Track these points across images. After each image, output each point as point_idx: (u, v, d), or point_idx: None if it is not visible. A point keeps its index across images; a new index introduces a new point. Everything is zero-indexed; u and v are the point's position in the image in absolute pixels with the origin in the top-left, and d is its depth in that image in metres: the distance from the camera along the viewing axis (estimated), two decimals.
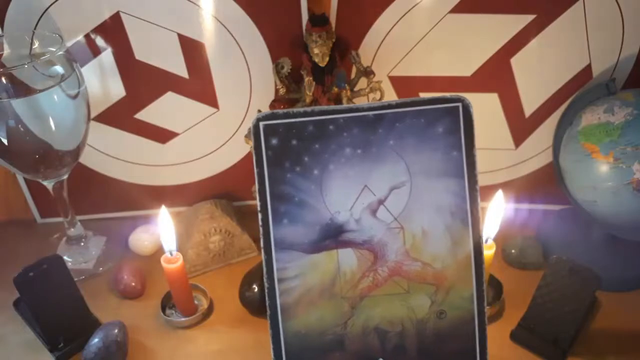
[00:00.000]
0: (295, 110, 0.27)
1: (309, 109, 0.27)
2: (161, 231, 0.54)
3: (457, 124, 0.28)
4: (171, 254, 0.54)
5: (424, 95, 0.53)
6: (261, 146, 0.27)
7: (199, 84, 0.61)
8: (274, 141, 0.27)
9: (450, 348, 0.29)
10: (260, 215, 0.27)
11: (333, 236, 0.28)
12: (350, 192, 0.28)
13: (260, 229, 0.27)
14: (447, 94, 0.27)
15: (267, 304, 0.28)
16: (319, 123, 0.27)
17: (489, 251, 0.54)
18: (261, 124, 0.27)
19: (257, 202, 0.27)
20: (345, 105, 0.27)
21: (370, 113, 0.27)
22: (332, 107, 0.27)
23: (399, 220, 0.27)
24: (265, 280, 0.28)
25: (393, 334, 0.28)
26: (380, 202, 0.28)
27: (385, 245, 0.28)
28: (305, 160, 0.27)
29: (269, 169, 0.27)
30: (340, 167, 0.27)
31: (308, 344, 0.28)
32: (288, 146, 0.27)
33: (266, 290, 0.28)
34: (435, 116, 0.27)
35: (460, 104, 0.28)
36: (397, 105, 0.27)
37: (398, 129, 0.27)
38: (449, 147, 0.27)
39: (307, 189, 0.28)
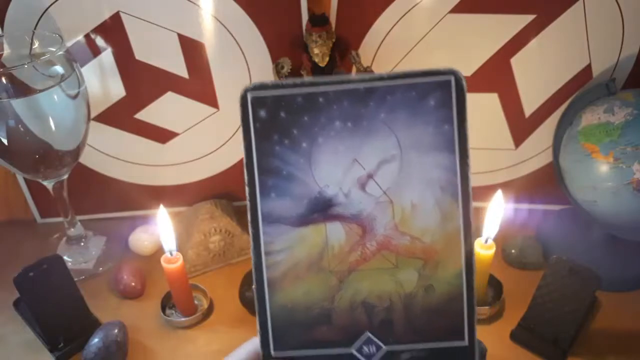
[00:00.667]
0: (284, 81, 0.27)
1: (298, 80, 0.26)
2: (161, 231, 0.54)
3: (450, 98, 0.27)
4: (171, 254, 0.54)
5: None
6: (249, 118, 0.27)
7: (199, 84, 0.61)
8: (262, 113, 0.27)
9: (438, 324, 0.28)
10: (247, 189, 0.27)
11: (321, 210, 0.27)
12: (340, 165, 0.27)
13: (248, 202, 0.27)
14: (440, 67, 0.27)
15: (253, 277, 0.27)
16: (309, 95, 0.27)
17: (489, 251, 0.54)
18: (249, 95, 0.26)
19: (245, 176, 0.26)
20: (335, 77, 0.26)
21: (362, 86, 0.27)
22: (323, 78, 0.26)
23: (388, 194, 0.27)
24: (252, 254, 0.27)
25: (380, 308, 0.28)
26: (370, 176, 0.27)
27: (374, 219, 0.27)
28: (294, 133, 0.27)
29: (257, 141, 0.27)
30: (329, 140, 0.27)
31: (294, 318, 0.28)
32: (277, 118, 0.27)
33: (253, 264, 0.27)
34: (428, 89, 0.27)
35: (452, 77, 0.27)
36: (389, 78, 0.27)
37: (389, 102, 0.27)
38: (440, 120, 0.27)
39: (295, 163, 0.27)
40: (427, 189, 0.27)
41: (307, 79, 0.28)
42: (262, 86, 0.26)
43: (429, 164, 0.27)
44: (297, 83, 0.27)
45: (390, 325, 0.28)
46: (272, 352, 0.28)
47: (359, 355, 0.28)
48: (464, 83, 0.27)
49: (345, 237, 0.27)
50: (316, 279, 0.28)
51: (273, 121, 0.27)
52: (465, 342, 0.28)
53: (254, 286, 0.27)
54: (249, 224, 0.27)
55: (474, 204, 0.71)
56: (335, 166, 0.27)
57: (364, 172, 0.27)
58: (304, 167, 0.27)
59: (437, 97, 0.27)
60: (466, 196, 0.27)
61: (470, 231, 0.27)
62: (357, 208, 0.27)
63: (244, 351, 0.28)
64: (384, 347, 0.27)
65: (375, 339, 0.28)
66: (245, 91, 0.27)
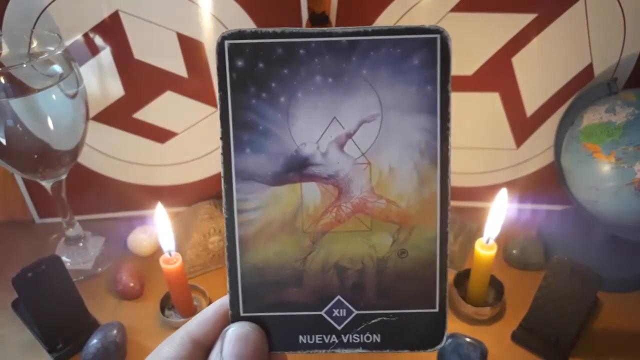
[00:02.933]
0: (264, 29, 0.26)
1: (279, 29, 0.25)
2: (160, 231, 0.54)
3: (434, 57, 0.26)
4: (170, 254, 0.54)
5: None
6: (225, 67, 0.26)
7: (198, 83, 0.61)
8: (240, 63, 0.26)
9: (410, 289, 0.27)
10: (221, 143, 0.26)
11: (297, 169, 0.27)
12: (318, 123, 0.26)
13: (221, 157, 0.26)
14: (426, 24, 0.26)
15: (225, 235, 0.27)
16: (289, 46, 0.25)
17: (490, 251, 0.54)
18: (226, 42, 0.25)
19: (219, 129, 0.26)
20: (317, 29, 0.26)
21: (344, 39, 0.26)
22: (304, 29, 0.25)
23: (366, 155, 0.26)
24: (224, 211, 0.26)
25: (353, 271, 0.27)
26: (349, 135, 0.26)
27: (351, 181, 0.27)
28: (272, 86, 0.26)
29: (233, 93, 0.26)
30: (309, 95, 0.26)
31: (265, 279, 0.27)
32: (254, 69, 0.26)
33: (225, 222, 0.27)
34: (412, 47, 0.26)
35: (438, 36, 0.26)
36: (373, 33, 0.26)
37: (372, 59, 0.26)
38: (423, 81, 0.26)
39: (272, 118, 0.26)
40: (406, 152, 0.26)
41: (288, 28, 0.26)
42: (240, 34, 0.25)
43: (409, 126, 0.26)
44: (278, 32, 0.25)
45: (362, 290, 0.27)
46: (241, 312, 0.27)
47: (328, 319, 0.27)
48: (450, 43, 0.26)
49: (320, 198, 0.27)
50: (289, 239, 0.27)
51: (250, 72, 0.26)
52: (436, 309, 0.28)
53: (225, 245, 0.27)
54: (222, 180, 0.26)
55: (475, 204, 0.71)
56: (313, 124, 0.26)
57: (343, 131, 0.26)
58: (281, 122, 0.26)
59: (422, 55, 0.26)
60: (445, 161, 0.26)
61: (447, 197, 0.26)
62: (334, 169, 0.27)
63: (212, 311, 0.27)
64: (354, 311, 0.27)
65: (346, 303, 0.27)
66: (222, 38, 0.25)
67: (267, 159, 0.26)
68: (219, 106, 0.26)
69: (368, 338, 0.27)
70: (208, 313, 0.27)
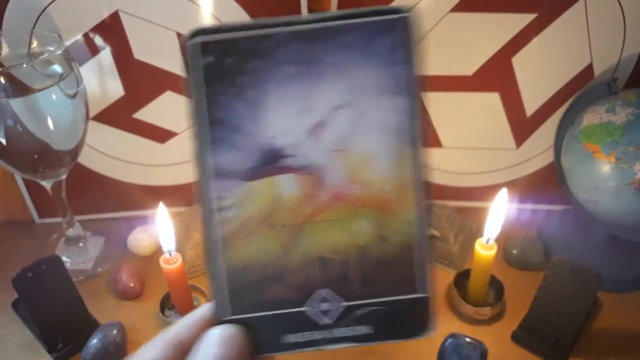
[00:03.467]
0: (228, 24, 0.25)
1: (243, 22, 0.25)
2: (160, 231, 0.54)
3: (403, 38, 0.25)
4: (170, 254, 0.54)
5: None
6: (193, 65, 0.25)
7: None
8: (207, 59, 0.25)
9: (394, 276, 0.27)
10: (194, 142, 0.25)
11: (272, 162, 0.26)
12: (290, 113, 0.25)
13: (194, 156, 0.25)
14: (393, 5, 0.26)
15: (202, 237, 0.26)
16: (255, 38, 0.25)
17: (490, 251, 0.54)
18: (192, 41, 0.25)
19: (190, 128, 0.25)
20: (282, 18, 0.25)
21: (310, 26, 0.25)
22: (269, 20, 0.25)
23: (341, 142, 0.26)
24: (200, 212, 0.26)
25: (336, 262, 0.26)
26: (322, 124, 0.26)
27: (327, 169, 0.26)
28: (241, 80, 0.25)
29: (202, 90, 0.25)
30: (279, 86, 0.25)
31: (249, 279, 0.26)
32: (222, 65, 0.25)
33: (202, 223, 0.26)
34: (379, 29, 0.25)
35: (406, 15, 0.25)
36: (339, 18, 0.25)
37: (340, 44, 0.25)
38: (393, 63, 0.25)
39: (243, 112, 0.25)
40: (380, 136, 0.26)
41: (253, 20, 0.26)
42: (204, 30, 0.25)
43: (382, 109, 0.25)
44: (242, 25, 0.25)
45: (347, 281, 0.26)
46: (225, 315, 0.26)
47: (317, 314, 0.27)
48: (417, 22, 0.25)
49: (297, 189, 0.26)
50: (269, 235, 0.26)
51: (218, 68, 0.25)
52: (424, 294, 0.27)
53: (204, 246, 0.26)
54: (196, 179, 0.25)
55: (475, 204, 0.71)
56: (285, 115, 0.25)
57: (315, 120, 0.26)
58: (253, 116, 0.25)
59: (390, 37, 0.25)
60: (420, 142, 0.26)
61: (424, 179, 0.26)
62: (308, 159, 0.26)
63: (198, 315, 0.26)
64: (343, 303, 0.26)
65: (332, 295, 0.26)
66: (188, 36, 0.25)
67: (240, 155, 0.26)
68: (188, 104, 0.25)
69: (358, 330, 0.26)
70: (194, 317, 0.26)
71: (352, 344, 0.27)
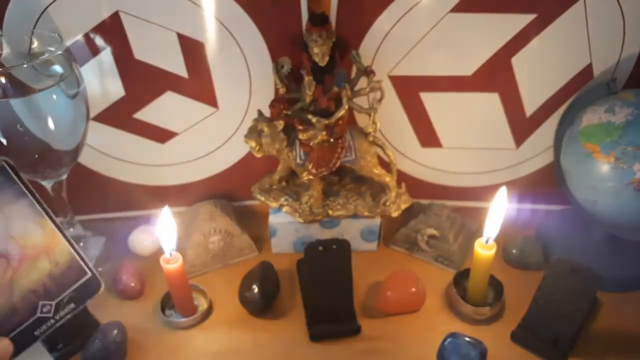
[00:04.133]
0: None
1: None
2: (160, 231, 0.54)
3: (11, 177, 0.48)
4: (170, 254, 0.54)
5: None
6: None
7: (198, 84, 0.61)
8: None
9: (69, 277, 0.51)
10: None
11: None
12: None
13: None
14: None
15: None
16: None
17: (489, 251, 0.54)
18: None
19: None
20: None
21: None
22: None
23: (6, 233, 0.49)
24: None
25: (37, 289, 0.50)
26: None
27: (7, 251, 0.48)
28: None
29: None
30: None
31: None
32: None
33: None
34: None
35: (4, 163, 0.47)
36: None
37: None
38: (15, 196, 0.48)
39: None
40: (25, 222, 0.49)
41: None
42: None
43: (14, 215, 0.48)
44: None
45: (48, 291, 0.50)
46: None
47: (44, 315, 0.50)
48: (12, 162, 0.48)
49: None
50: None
51: None
52: (89, 274, 0.52)
53: None
54: None
55: (474, 204, 0.71)
56: None
57: None
58: None
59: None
60: (49, 213, 0.49)
61: (63, 229, 0.50)
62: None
63: None
64: (53, 302, 0.50)
65: (47, 302, 0.50)
66: None
67: None
68: None
69: (67, 309, 0.51)
70: None
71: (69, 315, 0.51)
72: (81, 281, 0.52)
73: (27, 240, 0.49)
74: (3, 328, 0.48)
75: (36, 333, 0.50)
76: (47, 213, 0.49)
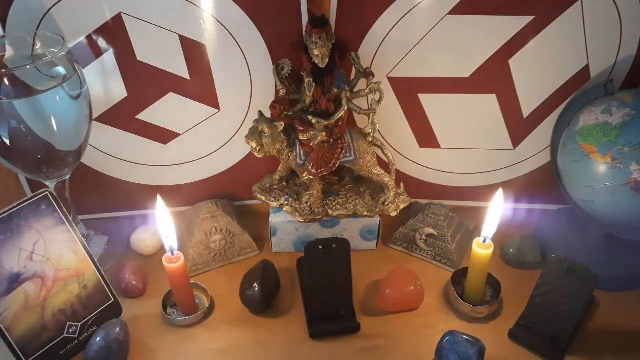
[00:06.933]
0: None
1: None
2: (162, 231, 0.54)
3: (53, 205, 0.52)
4: (172, 253, 0.54)
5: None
6: None
7: (200, 85, 0.62)
8: None
9: (97, 300, 0.55)
10: None
11: (15, 280, 0.50)
12: (13, 256, 0.50)
13: None
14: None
15: None
16: None
17: (487, 250, 0.54)
18: None
19: None
20: None
21: None
22: None
23: (45, 257, 0.52)
24: None
25: (67, 308, 0.53)
26: (29, 255, 0.51)
27: (44, 271, 0.52)
28: None
29: None
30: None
31: (31, 339, 0.51)
32: None
33: None
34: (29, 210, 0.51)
35: (47, 193, 0.51)
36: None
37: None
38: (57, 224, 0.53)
39: None
40: (59, 250, 0.53)
41: None
42: None
43: (58, 239, 0.52)
44: None
45: (75, 313, 0.53)
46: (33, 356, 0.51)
47: (70, 336, 0.53)
48: (54, 193, 0.52)
49: (34, 286, 0.51)
50: (31, 314, 0.50)
51: None
52: (112, 300, 0.56)
53: None
54: None
55: (472, 204, 0.72)
56: (11, 256, 0.49)
57: (25, 254, 0.50)
58: None
59: (45, 206, 0.51)
60: (82, 241, 0.54)
61: (91, 254, 0.54)
62: (33, 271, 0.51)
63: None
64: (79, 324, 0.54)
65: (74, 323, 0.53)
66: None
67: None
68: None
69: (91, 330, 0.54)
70: None
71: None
72: (105, 306, 0.56)
73: (61, 263, 0.53)
74: (33, 345, 0.51)
75: (61, 352, 0.52)
76: (80, 241, 0.54)
